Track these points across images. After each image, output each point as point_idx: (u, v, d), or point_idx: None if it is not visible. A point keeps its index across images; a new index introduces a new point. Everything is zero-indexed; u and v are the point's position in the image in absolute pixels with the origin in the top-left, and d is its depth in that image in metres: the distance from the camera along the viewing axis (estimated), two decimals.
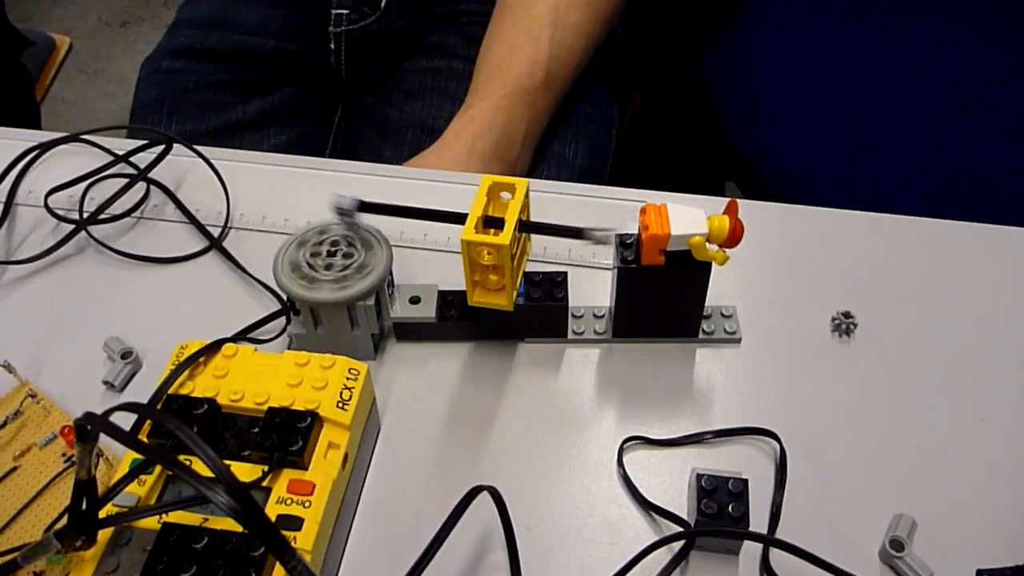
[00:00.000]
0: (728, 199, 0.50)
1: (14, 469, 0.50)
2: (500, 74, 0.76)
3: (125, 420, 0.39)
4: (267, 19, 0.90)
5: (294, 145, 0.89)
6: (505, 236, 0.48)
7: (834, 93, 0.99)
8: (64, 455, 0.50)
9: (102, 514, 0.41)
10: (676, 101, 1.15)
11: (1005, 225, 0.62)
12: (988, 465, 0.50)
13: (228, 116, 0.87)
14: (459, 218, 0.50)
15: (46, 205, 0.62)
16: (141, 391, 0.54)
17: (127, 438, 0.35)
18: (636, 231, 0.51)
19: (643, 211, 0.50)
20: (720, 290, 0.56)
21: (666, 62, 1.15)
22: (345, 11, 0.90)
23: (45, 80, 1.19)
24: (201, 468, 0.36)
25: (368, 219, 0.54)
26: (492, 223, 0.50)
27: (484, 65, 0.78)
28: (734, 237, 0.49)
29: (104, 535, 0.42)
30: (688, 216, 0.49)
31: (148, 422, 0.46)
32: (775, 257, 0.60)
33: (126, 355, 0.54)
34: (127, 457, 0.45)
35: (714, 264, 0.50)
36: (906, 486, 0.49)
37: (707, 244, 0.49)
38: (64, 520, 0.42)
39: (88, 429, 0.36)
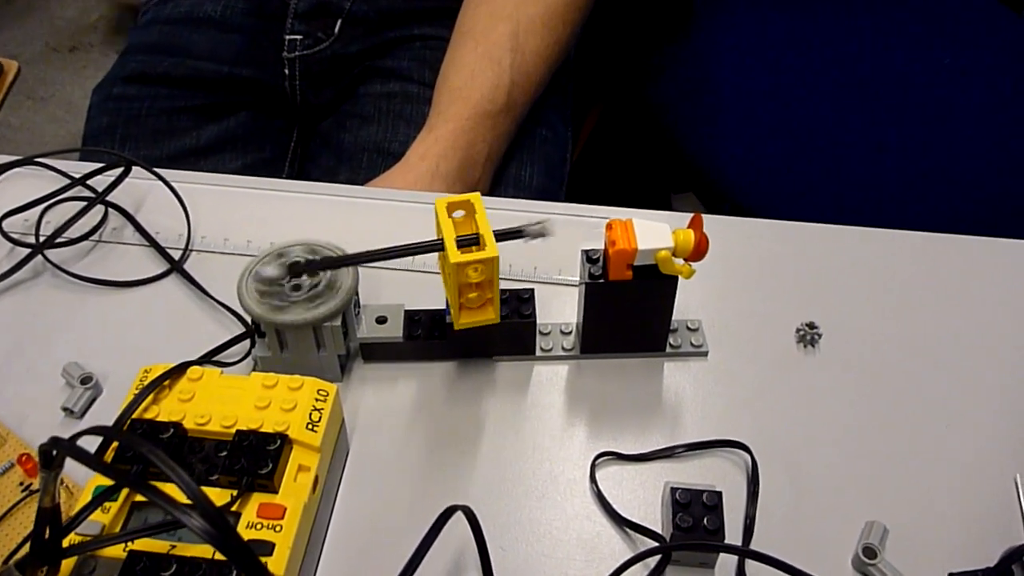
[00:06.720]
0: (692, 214, 0.50)
1: None
2: (462, 98, 0.76)
3: (89, 446, 0.38)
4: (220, 45, 0.89)
5: (250, 170, 0.87)
6: (492, 248, 0.48)
7: (792, 101, 1.01)
8: (21, 484, 0.49)
9: (65, 543, 0.40)
10: (633, 117, 1.17)
11: (964, 235, 0.63)
12: (954, 469, 0.51)
13: (183, 142, 0.86)
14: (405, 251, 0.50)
15: (0, 229, 0.60)
16: (102, 417, 0.52)
17: (97, 463, 0.34)
18: (601, 247, 0.51)
19: (609, 227, 0.50)
20: (685, 304, 0.56)
21: (622, 80, 1.17)
22: (299, 37, 0.89)
23: None
24: (172, 495, 0.35)
25: (334, 239, 0.53)
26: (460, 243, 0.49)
27: (445, 89, 0.78)
28: (699, 250, 0.49)
29: (68, 565, 0.40)
30: (654, 231, 0.50)
31: (111, 448, 0.45)
32: (738, 270, 0.61)
33: (86, 380, 0.53)
34: (89, 485, 0.44)
35: (680, 277, 0.51)
36: (876, 493, 0.50)
37: (673, 258, 0.50)
38: (25, 550, 0.41)
39: (54, 454, 0.35)
